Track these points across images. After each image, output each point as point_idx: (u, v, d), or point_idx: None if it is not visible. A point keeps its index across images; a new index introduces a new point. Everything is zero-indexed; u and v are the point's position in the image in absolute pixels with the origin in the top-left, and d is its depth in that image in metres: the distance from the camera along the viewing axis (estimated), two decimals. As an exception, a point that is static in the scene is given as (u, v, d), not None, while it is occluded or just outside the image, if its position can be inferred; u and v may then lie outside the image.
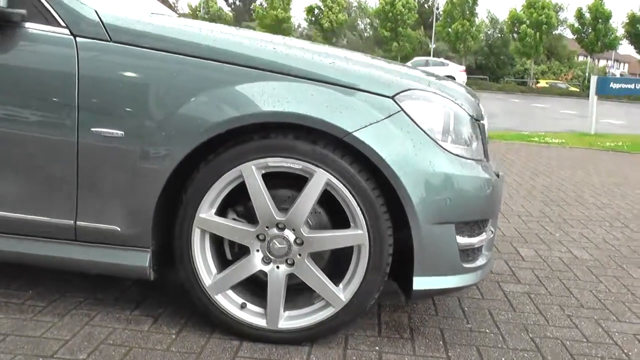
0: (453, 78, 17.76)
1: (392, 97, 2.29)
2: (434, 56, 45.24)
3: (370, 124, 2.22)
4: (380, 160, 2.21)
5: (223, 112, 2.25)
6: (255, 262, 2.38)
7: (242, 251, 2.43)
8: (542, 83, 51.99)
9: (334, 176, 2.24)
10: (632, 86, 12.20)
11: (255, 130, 2.27)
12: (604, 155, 10.04)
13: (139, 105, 2.31)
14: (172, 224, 2.39)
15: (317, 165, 2.24)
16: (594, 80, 12.36)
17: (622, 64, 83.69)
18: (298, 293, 2.45)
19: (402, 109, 2.28)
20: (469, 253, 2.48)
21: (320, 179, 2.25)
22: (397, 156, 2.22)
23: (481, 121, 2.63)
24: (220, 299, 2.41)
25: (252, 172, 2.26)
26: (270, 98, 2.23)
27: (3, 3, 2.31)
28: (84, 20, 2.36)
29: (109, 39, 2.33)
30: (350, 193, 2.25)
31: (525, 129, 13.89)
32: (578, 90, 49.21)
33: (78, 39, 2.34)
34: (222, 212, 2.40)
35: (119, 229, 2.36)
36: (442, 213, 2.31)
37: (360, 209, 2.26)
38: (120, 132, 2.28)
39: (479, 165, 2.46)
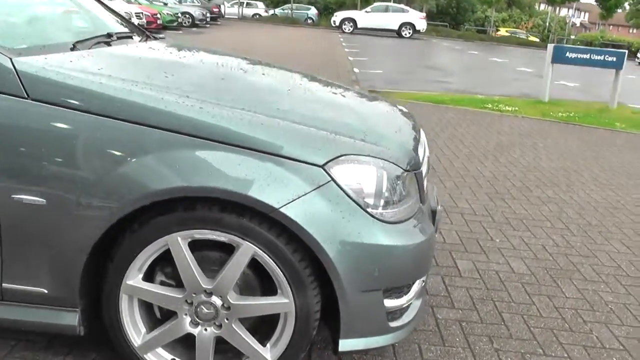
0: (413, 25, 17.97)
1: (322, 166, 2.23)
2: (394, 1, 44.68)
3: (299, 197, 2.18)
4: (307, 234, 2.18)
5: (146, 184, 2.16)
6: (183, 325, 2.37)
7: (171, 312, 2.40)
8: (502, 31, 52.06)
9: (261, 249, 2.22)
10: (588, 56, 12.24)
11: (181, 200, 2.21)
12: (555, 128, 10.13)
13: (61, 172, 2.21)
14: (102, 282, 2.35)
15: (243, 238, 2.21)
16: (550, 48, 12.41)
17: (583, 13, 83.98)
18: (228, 349, 2.45)
19: (332, 179, 2.24)
20: (397, 312, 2.50)
21: (247, 251, 2.23)
22: (324, 229, 2.20)
23: (417, 170, 2.61)
24: (150, 356, 2.42)
25: (177, 243, 2.23)
26: (195, 169, 2.17)
27: None
28: None
29: (26, 96, 2.19)
30: (277, 264, 2.24)
31: (481, 91, 13.94)
32: (537, 40, 49.45)
33: None
34: (150, 274, 2.37)
35: (46, 291, 2.32)
36: (370, 282, 2.32)
37: (287, 279, 2.26)
38: (42, 200, 2.19)
39: (411, 228, 2.43)
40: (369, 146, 2.41)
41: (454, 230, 4.68)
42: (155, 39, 3.75)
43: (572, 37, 54.43)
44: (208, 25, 34.30)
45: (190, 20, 32.26)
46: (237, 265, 2.26)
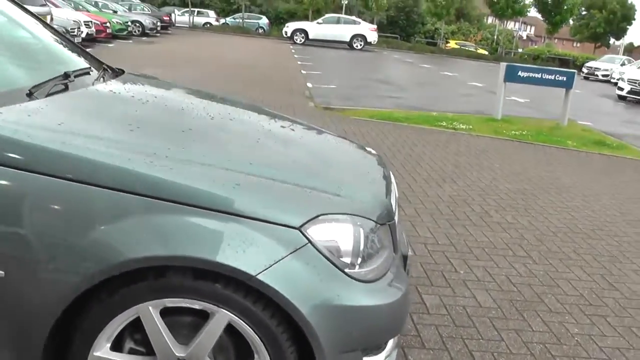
0: (364, 37, 18.16)
1: (299, 228, 2.14)
2: (345, 13, 44.93)
3: (276, 262, 2.08)
4: (284, 300, 2.09)
5: (114, 254, 2.02)
6: None
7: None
8: (452, 44, 52.75)
9: (237, 315, 2.12)
10: (540, 75, 12.46)
11: (151, 267, 2.08)
12: (509, 147, 10.25)
13: (18, 242, 2.04)
14: (66, 354, 2.20)
15: (218, 306, 2.11)
16: (502, 67, 12.56)
17: (529, 27, 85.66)
18: None
19: (309, 240, 2.15)
20: (375, 365, 2.44)
21: (222, 318, 2.13)
22: (302, 294, 2.11)
23: (392, 221, 2.56)
24: None
25: (149, 312, 2.11)
26: (166, 237, 2.04)
27: None
28: None
29: None
30: (253, 330, 2.14)
31: (434, 108, 14.03)
32: (486, 53, 50.31)
33: None
34: (118, 341, 2.22)
35: None
36: (349, 343, 2.25)
37: (264, 343, 2.16)
38: (0, 272, 2.03)
39: (387, 287, 2.37)
40: (345, 202, 2.35)
41: (418, 262, 4.64)
42: (114, 71, 3.48)
43: (520, 50, 55.50)
44: (158, 35, 33.93)
45: (141, 29, 31.80)
46: (212, 332, 2.16)
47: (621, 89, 23.29)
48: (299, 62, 23.87)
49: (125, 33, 28.46)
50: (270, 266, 2.07)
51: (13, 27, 3.33)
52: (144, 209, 2.05)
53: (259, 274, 2.05)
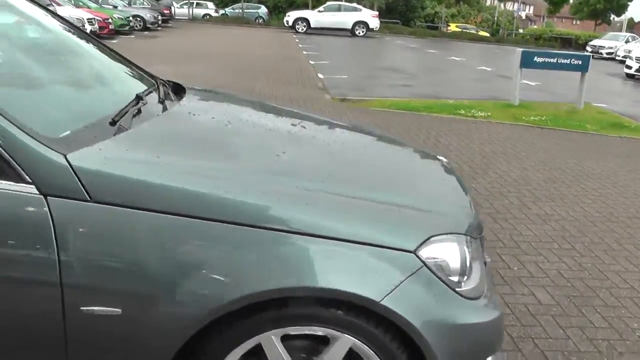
0: (366, 24, 18.14)
1: (414, 252, 2.16)
2: (347, 0, 44.75)
3: (395, 287, 2.09)
4: (407, 323, 2.11)
5: (236, 288, 2.01)
6: None
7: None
8: (452, 27, 52.60)
9: (360, 340, 2.14)
10: (555, 60, 12.45)
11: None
12: (530, 133, 10.24)
13: (137, 277, 2.01)
14: None
15: (341, 332, 2.13)
16: (518, 53, 12.55)
17: (527, 6, 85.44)
18: None
19: (424, 264, 2.17)
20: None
21: (344, 343, 2.15)
22: (421, 316, 2.13)
23: (482, 234, 2.60)
24: None
25: (271, 341, 2.13)
26: (289, 268, 2.04)
27: None
28: (51, 173, 1.96)
29: (87, 198, 1.96)
30: (375, 353, 2.16)
31: (448, 95, 14.03)
32: (488, 35, 50.17)
33: (50, 198, 1.95)
34: None
35: None
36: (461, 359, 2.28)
37: None
38: (117, 310, 2.00)
39: (489, 302, 2.40)
40: (449, 222, 2.40)
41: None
42: (180, 88, 3.39)
43: (520, 30, 55.37)
44: (160, 28, 33.81)
45: (142, 23, 31.67)
46: (333, 357, 2.18)
47: (629, 67, 23.24)
48: (304, 52, 23.83)
49: (127, 28, 28.31)
50: (392, 291, 2.08)
51: (67, 47, 3.29)
52: (269, 241, 2.04)
53: (382, 299, 2.06)
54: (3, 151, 1.93)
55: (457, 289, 2.25)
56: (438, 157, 3.44)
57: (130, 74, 3.35)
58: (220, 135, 2.83)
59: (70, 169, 1.97)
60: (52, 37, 3.26)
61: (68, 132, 2.22)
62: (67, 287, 1.97)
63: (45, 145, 1.99)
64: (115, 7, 31.43)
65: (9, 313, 2.04)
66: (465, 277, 2.31)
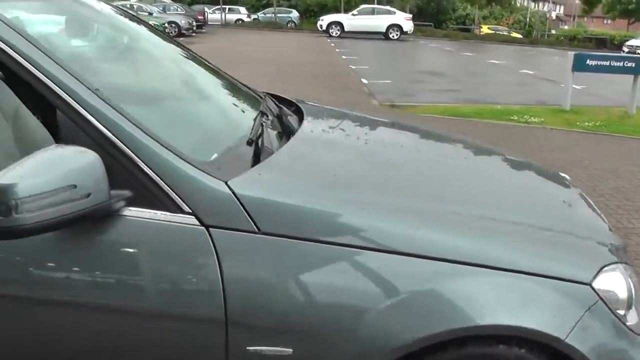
0: (400, 27, 17.99)
1: (589, 284, 2.04)
2: (378, 3, 44.70)
3: (576, 324, 1.96)
4: None
5: (420, 325, 1.89)
6: None
7: None
8: (484, 29, 52.28)
9: None
10: (608, 63, 12.26)
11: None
12: (587, 140, 10.08)
13: (309, 314, 1.87)
14: None
15: None
16: (570, 57, 12.38)
17: (557, 6, 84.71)
18: None
19: (600, 297, 2.04)
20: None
21: None
22: (600, 354, 2.01)
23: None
24: None
25: None
26: (472, 304, 1.92)
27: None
28: (213, 202, 1.85)
29: (256, 230, 1.85)
30: None
31: (495, 100, 13.88)
32: (521, 37, 49.78)
33: (212, 230, 1.83)
34: None
35: None
36: None
37: None
38: (288, 350, 1.88)
39: None
40: (611, 249, 2.29)
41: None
42: (284, 100, 3.30)
43: (553, 31, 54.85)
44: (194, 34, 33.94)
45: (177, 29, 31.84)
46: None
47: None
48: (343, 57, 23.77)
49: (163, 35, 28.42)
50: (573, 328, 1.97)
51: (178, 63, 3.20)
52: (447, 275, 1.94)
53: (567, 337, 1.95)
54: (158, 178, 1.81)
55: (627, 324, 2.13)
56: (560, 173, 3.32)
57: (235, 87, 3.19)
58: (370, 158, 2.71)
59: (235, 197, 1.86)
60: (165, 52, 3.21)
61: (216, 155, 2.10)
62: (232, 326, 1.86)
63: (204, 172, 1.88)
64: (150, 13, 31.65)
65: (169, 350, 1.95)
66: (630, 311, 2.18)
